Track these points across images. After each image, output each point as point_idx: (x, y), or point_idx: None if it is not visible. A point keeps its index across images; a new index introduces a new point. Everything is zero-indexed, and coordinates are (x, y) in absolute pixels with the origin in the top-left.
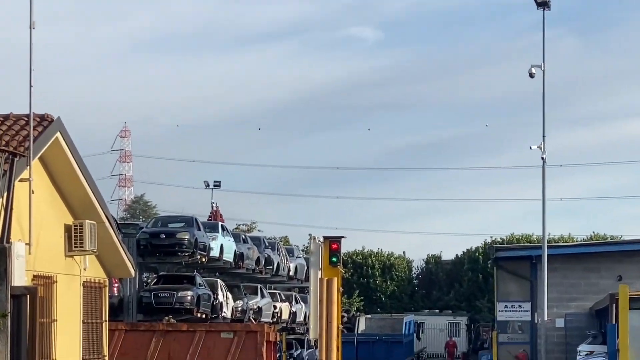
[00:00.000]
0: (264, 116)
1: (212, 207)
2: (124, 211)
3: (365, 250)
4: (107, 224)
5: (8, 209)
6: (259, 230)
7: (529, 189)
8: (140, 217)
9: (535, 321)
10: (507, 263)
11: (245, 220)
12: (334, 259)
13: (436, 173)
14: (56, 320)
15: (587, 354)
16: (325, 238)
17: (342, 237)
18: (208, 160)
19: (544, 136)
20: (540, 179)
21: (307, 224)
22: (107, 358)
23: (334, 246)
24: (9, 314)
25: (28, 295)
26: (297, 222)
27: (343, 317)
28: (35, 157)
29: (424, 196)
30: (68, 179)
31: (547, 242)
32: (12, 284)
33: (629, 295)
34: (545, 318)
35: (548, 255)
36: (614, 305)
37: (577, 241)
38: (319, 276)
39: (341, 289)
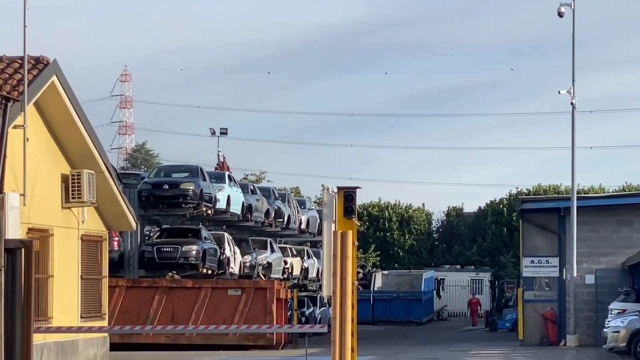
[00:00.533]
0: (273, 59)
1: (219, 156)
2: (124, 160)
3: (382, 202)
4: (107, 173)
5: (1, 157)
6: (268, 181)
7: (558, 137)
8: (142, 166)
9: (564, 277)
10: (533, 215)
11: (253, 170)
12: (349, 211)
13: (458, 120)
14: (53, 276)
15: (619, 312)
16: (339, 188)
17: (357, 187)
18: (214, 106)
19: (573, 80)
20: (570, 126)
21: (320, 174)
22: (107, 316)
23: (349, 197)
24: (3, 269)
25: (23, 249)
26: (309, 172)
27: (358, 273)
28: (30, 102)
29: (445, 145)
30: (65, 125)
31: (577, 193)
32: (6, 237)
33: None
34: (575, 274)
35: (577, 207)
36: None
37: (608, 192)
38: (333, 229)
39: (356, 243)
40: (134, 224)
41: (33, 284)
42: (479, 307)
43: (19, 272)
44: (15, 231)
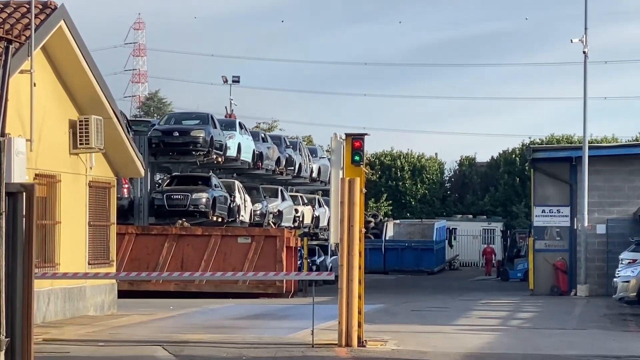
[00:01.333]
0: (287, 7)
1: (226, 108)
2: (137, 108)
3: (394, 151)
4: (115, 119)
5: (2, 99)
6: (280, 130)
7: (571, 87)
8: (155, 114)
9: (575, 227)
10: (545, 165)
11: (265, 119)
12: (357, 158)
13: (472, 70)
14: (60, 223)
15: (629, 262)
16: (347, 135)
17: (366, 134)
18: (227, 55)
19: (585, 28)
20: (582, 76)
21: (333, 123)
22: (114, 263)
23: (357, 144)
24: (4, 213)
25: (24, 193)
26: (322, 122)
27: (370, 222)
28: (37, 47)
29: (459, 95)
30: (73, 71)
31: (589, 143)
32: (12, 182)
33: None
34: (586, 224)
35: (589, 156)
36: None
37: (621, 142)
38: (341, 176)
39: (364, 190)
40: (142, 171)
41: (35, 228)
42: (493, 256)
43: (20, 216)
44: (21, 177)
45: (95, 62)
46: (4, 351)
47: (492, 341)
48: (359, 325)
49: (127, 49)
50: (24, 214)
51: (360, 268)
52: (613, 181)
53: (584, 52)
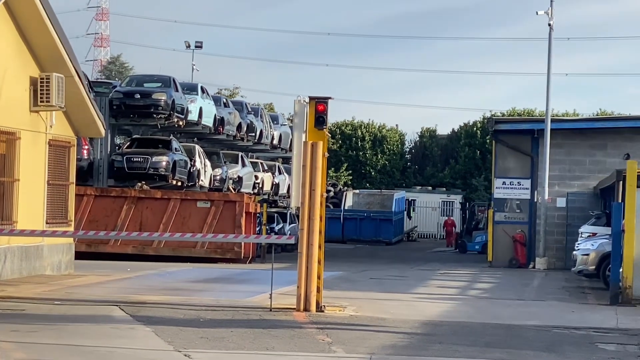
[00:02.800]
0: None
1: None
2: (99, 72)
3: (355, 121)
4: (77, 78)
5: None
6: (242, 96)
7: (533, 63)
8: (116, 78)
9: (535, 200)
10: (506, 136)
11: (227, 86)
12: (320, 121)
13: (435, 43)
14: (19, 180)
15: (589, 236)
16: (310, 98)
17: (330, 97)
18: (190, 22)
19: (551, 0)
20: (547, 50)
21: (295, 92)
22: (73, 222)
23: (320, 107)
24: None
25: None
26: (284, 91)
27: (329, 191)
28: None
29: (421, 67)
30: (35, 27)
31: (551, 118)
32: None
33: (638, 173)
34: (546, 197)
35: (551, 129)
36: (621, 182)
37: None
38: (303, 140)
39: (327, 155)
40: (103, 131)
41: None
42: (453, 228)
43: None
44: None
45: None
46: None
47: (451, 310)
48: (318, 290)
49: (90, 13)
50: None
51: (320, 233)
52: (574, 155)
53: (550, 25)
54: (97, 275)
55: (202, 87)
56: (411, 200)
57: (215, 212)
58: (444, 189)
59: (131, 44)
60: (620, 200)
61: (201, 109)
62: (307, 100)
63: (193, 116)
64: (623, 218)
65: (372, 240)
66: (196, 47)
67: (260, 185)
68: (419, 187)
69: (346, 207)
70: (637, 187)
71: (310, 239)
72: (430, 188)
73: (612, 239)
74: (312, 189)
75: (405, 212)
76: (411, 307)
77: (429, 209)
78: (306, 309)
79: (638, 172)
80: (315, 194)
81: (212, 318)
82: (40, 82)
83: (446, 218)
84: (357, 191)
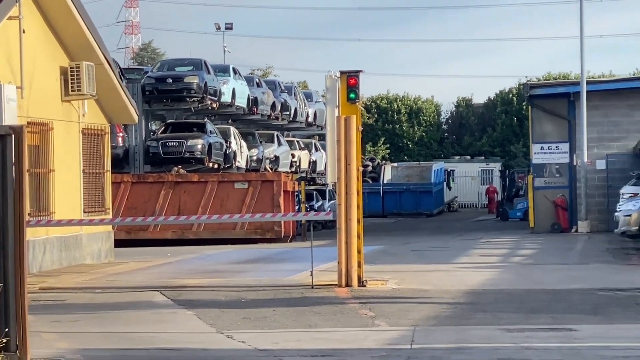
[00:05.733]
0: None
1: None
2: (131, 59)
3: (390, 95)
4: (107, 65)
5: None
6: (275, 76)
7: (567, 27)
8: (149, 65)
9: (574, 163)
10: (542, 101)
11: (259, 66)
12: (352, 95)
13: (467, 12)
14: (54, 171)
15: (630, 196)
16: (342, 73)
17: (361, 71)
18: (220, 4)
19: None
20: (578, 14)
21: (328, 69)
22: (110, 210)
23: (352, 81)
24: None
25: (13, 135)
26: (317, 68)
27: (367, 166)
28: None
29: (454, 37)
30: (62, 16)
31: (587, 79)
32: None
33: None
34: (585, 159)
35: (588, 91)
36: None
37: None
38: (336, 114)
39: (361, 128)
40: (135, 117)
41: (25, 173)
42: (495, 195)
43: (10, 160)
44: (13, 124)
45: (88, 12)
46: None
47: (494, 277)
48: (359, 265)
49: (120, 1)
50: (14, 158)
51: (358, 207)
52: (612, 116)
53: None
54: (138, 261)
55: (234, 68)
56: (450, 170)
57: (253, 193)
58: (483, 157)
59: (162, 29)
60: None
61: (234, 90)
62: (339, 75)
63: (226, 98)
64: None
65: (412, 212)
66: (226, 29)
67: (298, 164)
68: (457, 157)
69: (385, 181)
70: None
71: (348, 213)
72: (468, 157)
73: None
74: (347, 163)
75: (445, 183)
76: (454, 277)
77: (469, 178)
78: (348, 285)
79: None
80: (350, 168)
81: (253, 298)
82: (71, 72)
83: (487, 186)
84: (395, 164)
